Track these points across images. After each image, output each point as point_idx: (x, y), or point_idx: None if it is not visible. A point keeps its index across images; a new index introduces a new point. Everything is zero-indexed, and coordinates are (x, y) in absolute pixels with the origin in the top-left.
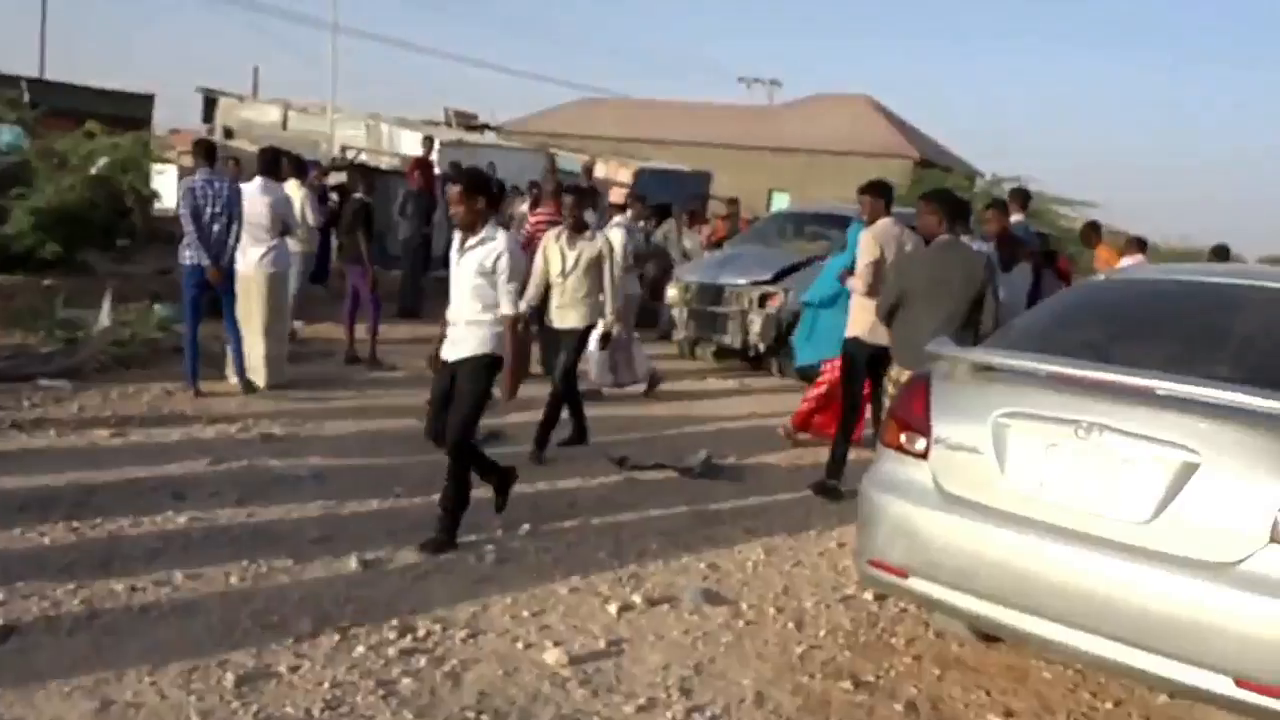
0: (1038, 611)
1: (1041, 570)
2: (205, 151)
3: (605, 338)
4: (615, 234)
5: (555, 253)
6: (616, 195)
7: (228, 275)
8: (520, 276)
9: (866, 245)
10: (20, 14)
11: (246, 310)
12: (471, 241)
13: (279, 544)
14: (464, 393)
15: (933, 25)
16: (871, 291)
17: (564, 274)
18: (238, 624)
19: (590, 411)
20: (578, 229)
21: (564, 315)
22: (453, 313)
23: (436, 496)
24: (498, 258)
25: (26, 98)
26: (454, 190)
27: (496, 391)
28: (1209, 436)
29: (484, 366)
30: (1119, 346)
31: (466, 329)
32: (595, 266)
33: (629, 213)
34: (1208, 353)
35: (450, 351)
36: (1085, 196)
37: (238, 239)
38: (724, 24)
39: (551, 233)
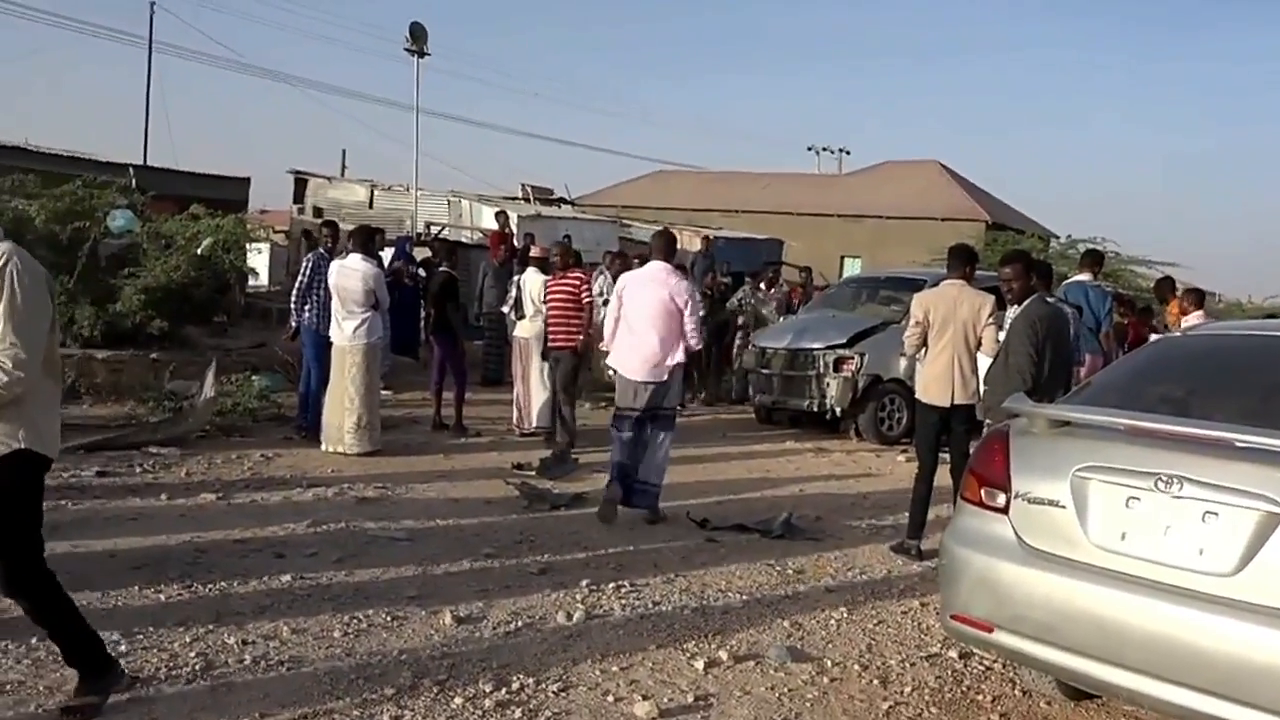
0: (1123, 664)
1: (1126, 623)
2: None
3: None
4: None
5: None
6: None
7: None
8: None
9: (913, 308)
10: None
11: (340, 381)
12: None
13: (377, 601)
14: None
15: (1004, 92)
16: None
17: None
18: (342, 676)
19: (669, 477)
20: None
21: None
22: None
23: (526, 559)
24: None
25: (134, 183)
26: None
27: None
28: None
29: None
30: (1196, 400)
31: None
32: None
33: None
34: None
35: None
36: (1169, 258)
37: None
38: (792, 96)
39: None
